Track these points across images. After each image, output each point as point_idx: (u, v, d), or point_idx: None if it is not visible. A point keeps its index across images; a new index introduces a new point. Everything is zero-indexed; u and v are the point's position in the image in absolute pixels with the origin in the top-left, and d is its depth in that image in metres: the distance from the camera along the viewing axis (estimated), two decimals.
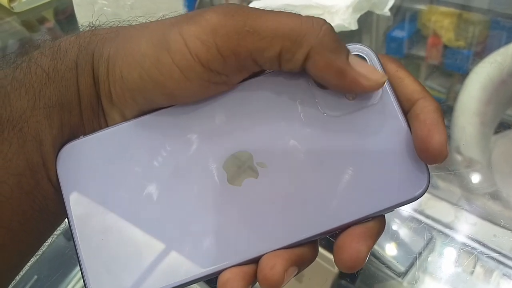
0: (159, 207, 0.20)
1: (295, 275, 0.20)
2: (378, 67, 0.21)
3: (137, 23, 0.23)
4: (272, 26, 0.18)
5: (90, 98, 0.21)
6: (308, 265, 0.21)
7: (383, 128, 0.20)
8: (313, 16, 0.19)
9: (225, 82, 0.20)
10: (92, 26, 0.23)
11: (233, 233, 0.20)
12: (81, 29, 0.23)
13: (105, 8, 0.52)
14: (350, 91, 0.20)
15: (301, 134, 0.21)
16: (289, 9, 0.20)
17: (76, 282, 0.46)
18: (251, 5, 0.57)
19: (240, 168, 0.20)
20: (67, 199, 0.21)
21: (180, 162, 0.21)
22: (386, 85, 0.21)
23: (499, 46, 0.58)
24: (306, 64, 0.19)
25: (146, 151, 0.21)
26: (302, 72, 0.21)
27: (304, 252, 0.20)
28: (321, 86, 0.21)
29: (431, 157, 0.19)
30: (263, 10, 0.19)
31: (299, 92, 0.21)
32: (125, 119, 0.22)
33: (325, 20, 0.19)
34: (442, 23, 0.66)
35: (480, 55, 0.60)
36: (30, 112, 0.20)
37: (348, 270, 0.19)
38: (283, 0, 0.62)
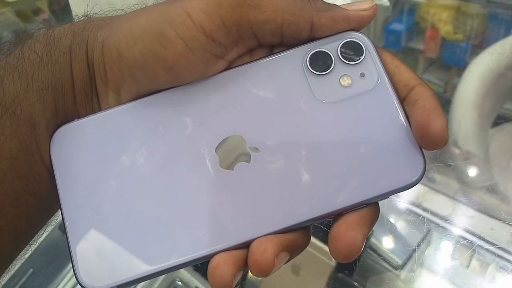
0: (150, 190, 0.20)
1: (286, 262, 0.20)
2: (375, 54, 0.21)
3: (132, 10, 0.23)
4: (272, 1, 0.20)
5: (84, 82, 0.21)
6: (300, 252, 0.20)
7: (378, 114, 0.20)
8: None
9: (224, 56, 0.21)
10: (87, 15, 0.23)
11: (224, 217, 0.20)
12: (75, 19, 0.23)
13: None
14: (360, 27, 0.21)
15: (295, 119, 0.20)
16: None
17: (72, 275, 0.46)
18: None
19: (232, 152, 0.20)
20: (59, 181, 0.21)
21: (173, 146, 0.21)
22: (382, 71, 0.21)
23: (497, 38, 0.57)
24: (313, 31, 0.21)
25: (139, 135, 0.21)
26: (296, 57, 0.21)
27: (296, 238, 0.20)
28: (316, 71, 0.21)
29: (432, 143, 0.19)
30: None
31: (294, 78, 0.21)
32: (119, 103, 0.22)
33: None
34: (440, 15, 0.66)
35: (479, 48, 0.60)
36: (23, 95, 0.20)
37: (344, 259, 0.19)
38: None
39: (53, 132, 0.21)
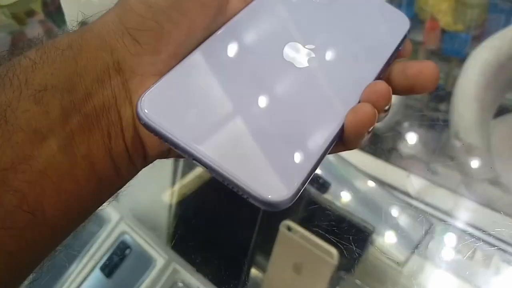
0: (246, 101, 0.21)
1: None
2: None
3: None
4: None
5: (97, 68, 0.20)
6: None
7: None
8: None
9: None
10: (82, 21, 0.23)
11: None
12: (68, 22, 0.23)
13: None
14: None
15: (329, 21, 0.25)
16: None
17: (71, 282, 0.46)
18: None
19: (297, 53, 0.23)
20: (172, 132, 0.20)
21: (254, 64, 0.23)
22: None
23: (498, 29, 0.57)
24: None
25: (222, 65, 0.22)
26: None
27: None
28: None
29: (425, 80, 0.21)
30: None
31: None
32: (158, 66, 0.21)
33: None
34: (440, 6, 0.65)
35: (479, 39, 0.60)
36: (17, 103, 0.19)
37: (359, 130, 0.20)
38: None
39: (67, 132, 0.20)
